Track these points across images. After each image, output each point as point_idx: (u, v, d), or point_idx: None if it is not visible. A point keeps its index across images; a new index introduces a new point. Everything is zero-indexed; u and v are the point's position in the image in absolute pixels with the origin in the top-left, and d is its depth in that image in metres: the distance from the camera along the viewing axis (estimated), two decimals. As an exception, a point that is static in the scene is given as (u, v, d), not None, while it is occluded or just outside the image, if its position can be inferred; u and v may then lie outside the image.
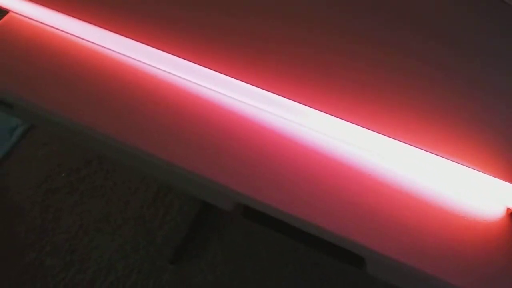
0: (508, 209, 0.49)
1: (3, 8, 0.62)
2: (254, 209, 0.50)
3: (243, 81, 0.54)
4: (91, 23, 0.59)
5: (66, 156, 1.41)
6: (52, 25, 0.60)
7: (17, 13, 0.62)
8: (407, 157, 0.51)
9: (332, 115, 0.52)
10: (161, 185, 1.36)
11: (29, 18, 0.61)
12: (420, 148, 0.50)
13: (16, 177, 1.38)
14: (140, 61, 0.57)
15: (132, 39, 0.58)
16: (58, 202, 1.33)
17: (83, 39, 0.59)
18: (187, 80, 0.56)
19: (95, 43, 0.59)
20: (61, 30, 0.60)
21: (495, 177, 0.49)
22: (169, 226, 1.30)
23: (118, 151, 0.53)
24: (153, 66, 0.57)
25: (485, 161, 0.51)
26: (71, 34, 0.60)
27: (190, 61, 0.56)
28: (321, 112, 0.53)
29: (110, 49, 0.58)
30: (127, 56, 0.58)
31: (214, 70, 0.55)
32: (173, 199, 1.34)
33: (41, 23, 0.61)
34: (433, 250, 0.46)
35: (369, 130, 0.51)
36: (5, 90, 0.55)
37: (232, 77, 0.55)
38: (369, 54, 0.61)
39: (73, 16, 0.60)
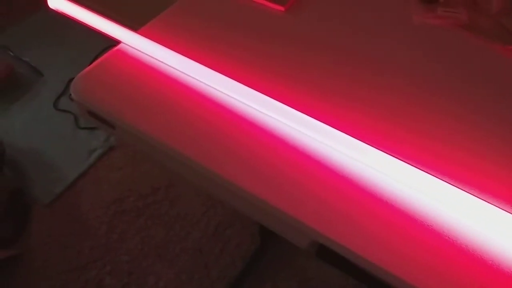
0: None
1: (116, 39, 0.69)
2: (329, 249, 0.50)
3: (333, 127, 0.57)
4: (193, 59, 0.64)
5: (137, 182, 1.48)
6: (158, 58, 0.66)
7: (127, 44, 0.69)
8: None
9: (416, 167, 0.53)
10: (221, 220, 1.39)
11: (137, 49, 0.68)
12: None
13: (88, 196, 1.46)
14: (241, 102, 0.61)
15: (232, 78, 0.62)
16: (124, 224, 1.39)
17: (184, 73, 0.65)
18: (282, 123, 0.59)
19: (194, 77, 0.64)
20: (166, 64, 0.66)
21: None
22: (225, 262, 1.31)
23: (204, 178, 0.56)
24: (247, 105, 0.61)
25: None
26: (174, 68, 0.65)
27: (294, 109, 0.59)
28: (404, 163, 0.54)
29: (210, 86, 0.63)
30: (226, 94, 0.62)
31: (306, 115, 0.58)
32: (232, 235, 1.36)
33: (149, 55, 0.67)
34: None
35: (458, 189, 0.52)
36: (111, 112, 0.61)
37: (323, 122, 0.57)
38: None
39: (176, 51, 0.66)
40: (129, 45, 0.68)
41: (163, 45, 0.66)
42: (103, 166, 1.53)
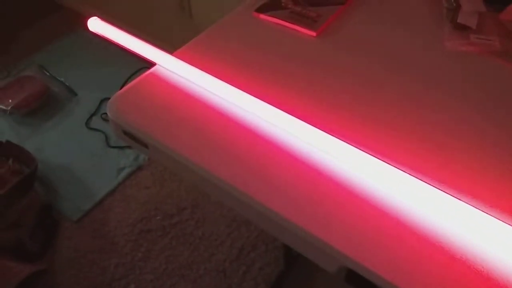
0: None
1: (152, 61, 0.71)
2: (358, 274, 0.50)
3: (360, 149, 0.57)
4: (225, 81, 0.66)
5: (163, 201, 1.50)
6: (192, 80, 0.68)
7: (162, 66, 0.71)
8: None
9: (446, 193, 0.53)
10: (245, 242, 1.39)
11: (172, 71, 0.70)
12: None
13: (116, 214, 1.48)
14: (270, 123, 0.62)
15: (264, 101, 0.63)
16: (150, 243, 1.40)
17: (216, 95, 0.66)
18: (312, 146, 0.59)
19: (227, 100, 0.65)
20: (199, 86, 0.67)
21: None
22: (248, 285, 1.31)
23: (234, 199, 0.57)
24: (278, 127, 0.62)
25: None
26: (207, 90, 0.67)
27: (323, 132, 0.60)
28: (437, 190, 0.53)
29: (243, 108, 0.64)
30: (258, 117, 0.63)
31: (335, 138, 0.59)
32: (255, 258, 1.36)
33: (183, 77, 0.69)
34: None
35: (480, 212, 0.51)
36: (145, 132, 0.62)
37: (349, 145, 0.58)
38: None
39: (210, 74, 0.67)
40: (163, 67, 0.70)
41: (196, 67, 0.68)
42: (131, 185, 1.56)
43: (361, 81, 0.71)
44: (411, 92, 0.69)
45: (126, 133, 0.65)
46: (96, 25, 0.76)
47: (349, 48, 0.77)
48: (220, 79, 0.66)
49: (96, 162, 1.64)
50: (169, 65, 0.70)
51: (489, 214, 0.51)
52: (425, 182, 0.54)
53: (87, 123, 1.78)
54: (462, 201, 0.52)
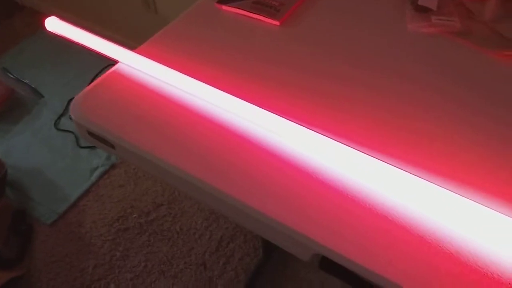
0: None
1: (113, 59, 0.70)
2: (331, 261, 0.51)
3: (323, 135, 0.57)
4: (190, 76, 0.65)
5: (139, 199, 1.49)
6: (156, 76, 0.67)
7: (125, 64, 0.69)
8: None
9: (413, 175, 0.54)
10: (224, 233, 1.39)
11: (135, 68, 0.69)
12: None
13: (91, 215, 1.46)
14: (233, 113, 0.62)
15: (230, 93, 0.63)
16: (127, 242, 1.39)
17: (181, 90, 0.65)
18: (280, 136, 0.60)
19: (192, 94, 0.65)
20: (164, 82, 0.67)
21: None
22: (229, 276, 1.31)
23: (204, 193, 0.57)
24: (245, 119, 0.62)
25: None
26: (172, 85, 0.66)
27: (291, 121, 0.60)
28: (404, 172, 0.54)
29: (208, 102, 0.64)
30: (225, 110, 0.63)
31: (303, 126, 0.59)
32: (234, 249, 1.36)
33: (147, 74, 0.68)
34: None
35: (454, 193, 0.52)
36: (111, 131, 0.61)
37: (314, 131, 0.58)
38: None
39: (174, 69, 0.66)
40: (127, 64, 0.69)
41: (160, 63, 0.67)
42: (105, 184, 1.54)
43: (326, 67, 0.71)
44: (376, 76, 0.70)
45: (91, 133, 0.63)
46: (54, 24, 0.74)
47: (313, 36, 0.77)
48: (185, 74, 0.66)
49: (68, 163, 1.61)
50: (131, 62, 0.69)
51: (450, 190, 0.52)
52: (395, 166, 0.55)
53: (55, 125, 1.74)
54: (429, 181, 0.53)
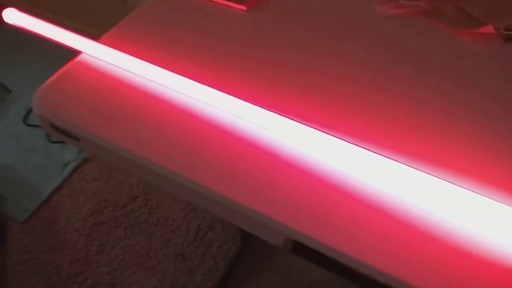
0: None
1: (76, 49, 0.68)
2: (304, 245, 0.51)
3: (295, 120, 0.57)
4: (156, 64, 0.64)
5: (113, 192, 1.47)
6: (121, 66, 0.65)
7: (88, 54, 0.67)
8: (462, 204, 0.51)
9: (379, 155, 0.54)
10: (202, 222, 1.39)
11: (97, 58, 0.67)
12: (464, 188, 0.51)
13: (65, 210, 1.43)
14: (199, 101, 0.61)
15: (197, 81, 0.62)
16: (103, 236, 1.37)
17: (147, 79, 0.64)
18: (249, 122, 0.59)
19: (158, 83, 0.63)
20: (129, 71, 0.65)
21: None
22: (208, 265, 1.31)
23: (172, 183, 0.56)
24: (213, 107, 0.61)
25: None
26: (138, 75, 0.64)
27: (260, 107, 0.59)
28: (374, 155, 0.54)
29: (175, 90, 0.62)
30: (192, 98, 0.62)
31: (271, 111, 0.58)
32: (213, 237, 1.36)
33: (111, 64, 0.66)
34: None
35: (419, 171, 0.52)
36: (75, 124, 0.60)
37: (283, 116, 0.57)
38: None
39: (139, 58, 0.65)
40: (89, 55, 0.67)
41: (125, 52, 0.66)
42: (78, 178, 1.51)
43: (295, 51, 0.70)
44: (347, 58, 0.70)
45: (54, 127, 0.62)
46: (12, 16, 0.71)
47: (281, 20, 0.76)
48: (150, 62, 0.64)
49: (39, 159, 1.58)
50: (93, 52, 0.67)
51: (421, 171, 0.53)
52: (363, 148, 0.55)
53: (24, 120, 1.69)
54: (398, 162, 0.53)
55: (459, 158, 0.57)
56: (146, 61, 0.64)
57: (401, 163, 0.53)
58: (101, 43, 0.68)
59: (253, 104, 0.59)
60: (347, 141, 0.55)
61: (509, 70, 0.70)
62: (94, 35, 0.69)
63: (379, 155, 0.54)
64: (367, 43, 0.73)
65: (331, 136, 0.56)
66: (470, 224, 0.50)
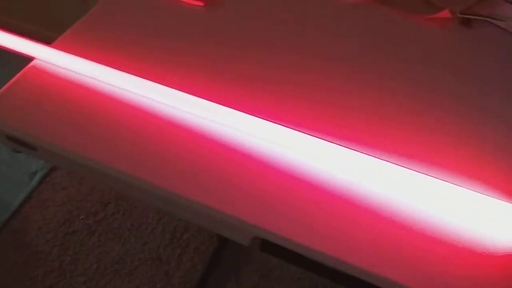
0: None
1: (29, 56, 0.65)
2: (272, 243, 0.50)
3: (253, 115, 0.56)
4: (113, 67, 0.62)
5: (84, 199, 1.43)
6: (76, 70, 0.63)
7: (41, 60, 0.65)
8: (422, 188, 0.51)
9: (333, 143, 0.53)
10: (177, 225, 1.37)
11: (52, 64, 0.64)
12: (436, 178, 0.51)
13: (35, 221, 1.39)
14: (155, 100, 0.60)
15: (155, 82, 0.60)
16: (77, 245, 1.34)
17: (106, 83, 0.62)
18: (203, 118, 0.58)
19: (112, 85, 0.61)
20: (86, 76, 0.63)
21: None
22: (186, 267, 1.29)
23: (134, 189, 0.54)
24: (173, 107, 0.59)
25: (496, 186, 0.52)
26: (95, 79, 0.62)
27: (219, 104, 0.58)
28: (327, 143, 0.54)
29: (133, 92, 0.61)
30: (150, 99, 0.60)
31: (232, 108, 0.57)
32: (189, 239, 1.34)
33: (64, 68, 0.64)
34: (455, 280, 0.45)
35: (380, 160, 0.52)
36: (30, 133, 0.57)
37: (244, 112, 0.57)
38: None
39: (95, 61, 0.63)
40: (42, 61, 0.65)
41: (79, 56, 0.63)
42: (47, 187, 1.47)
43: (256, 46, 0.69)
44: (309, 49, 0.69)
45: (10, 138, 0.59)
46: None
47: (240, 14, 0.75)
48: (106, 65, 0.62)
49: (4, 170, 1.53)
50: (47, 58, 0.64)
51: (383, 159, 0.52)
52: (326, 140, 0.54)
53: (-13, 131, 1.64)
54: (361, 152, 0.53)
55: (420, 144, 0.57)
56: (102, 63, 0.62)
57: (364, 153, 0.53)
58: (54, 47, 0.65)
59: (213, 101, 0.58)
60: (308, 134, 0.55)
61: (466, 52, 0.71)
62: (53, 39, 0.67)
63: (343, 147, 0.54)
64: (329, 32, 0.72)
65: (293, 130, 0.55)
66: (433, 208, 0.50)
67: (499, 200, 0.49)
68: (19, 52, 0.65)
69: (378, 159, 0.52)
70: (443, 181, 0.50)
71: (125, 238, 1.35)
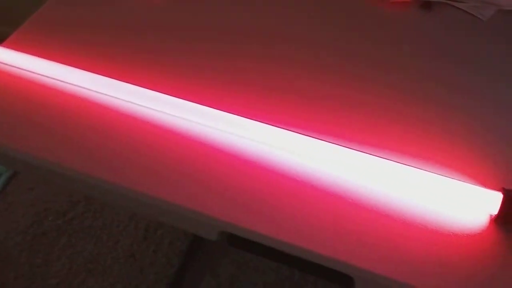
0: (491, 216, 0.49)
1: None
2: (239, 236, 0.49)
3: (230, 112, 0.55)
4: (68, 64, 0.60)
5: (52, 200, 1.40)
6: (28, 69, 0.61)
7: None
8: (386, 173, 0.51)
9: (295, 132, 0.53)
10: (150, 221, 1.35)
11: (7, 64, 0.62)
12: (398, 162, 0.51)
13: (2, 224, 1.35)
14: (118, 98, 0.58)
15: (112, 78, 0.58)
16: (47, 247, 1.30)
17: (61, 81, 0.60)
18: (173, 115, 0.56)
19: (73, 84, 0.59)
20: (39, 74, 0.60)
21: (474, 184, 0.49)
22: (161, 262, 1.28)
23: (94, 189, 0.53)
24: (130, 102, 0.58)
25: (461, 169, 0.52)
26: (50, 77, 0.60)
27: (177, 98, 0.57)
28: (296, 134, 0.53)
29: (90, 89, 0.59)
30: (108, 95, 0.58)
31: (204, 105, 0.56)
32: (163, 234, 1.33)
33: (21, 69, 0.61)
34: (422, 265, 0.46)
35: (349, 149, 0.52)
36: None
37: (215, 108, 0.55)
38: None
39: (49, 59, 0.60)
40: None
41: (32, 54, 0.61)
42: (13, 190, 1.43)
43: (215, 35, 0.68)
44: (264, 33, 0.68)
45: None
46: None
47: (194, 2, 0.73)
48: (61, 63, 0.60)
49: (-33, 174, 1.48)
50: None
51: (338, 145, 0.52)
52: (284, 129, 0.54)
53: None
54: (327, 141, 0.53)
55: (384, 128, 0.57)
56: (56, 61, 0.60)
57: (329, 141, 0.53)
58: (5, 46, 0.63)
59: (174, 96, 0.56)
60: (273, 124, 0.54)
61: (426, 35, 0.71)
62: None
63: (303, 135, 0.53)
64: (281, 18, 0.72)
65: (256, 121, 0.54)
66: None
67: (464, 183, 0.49)
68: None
69: (343, 147, 0.52)
70: (407, 166, 0.50)
71: (97, 237, 1.32)
